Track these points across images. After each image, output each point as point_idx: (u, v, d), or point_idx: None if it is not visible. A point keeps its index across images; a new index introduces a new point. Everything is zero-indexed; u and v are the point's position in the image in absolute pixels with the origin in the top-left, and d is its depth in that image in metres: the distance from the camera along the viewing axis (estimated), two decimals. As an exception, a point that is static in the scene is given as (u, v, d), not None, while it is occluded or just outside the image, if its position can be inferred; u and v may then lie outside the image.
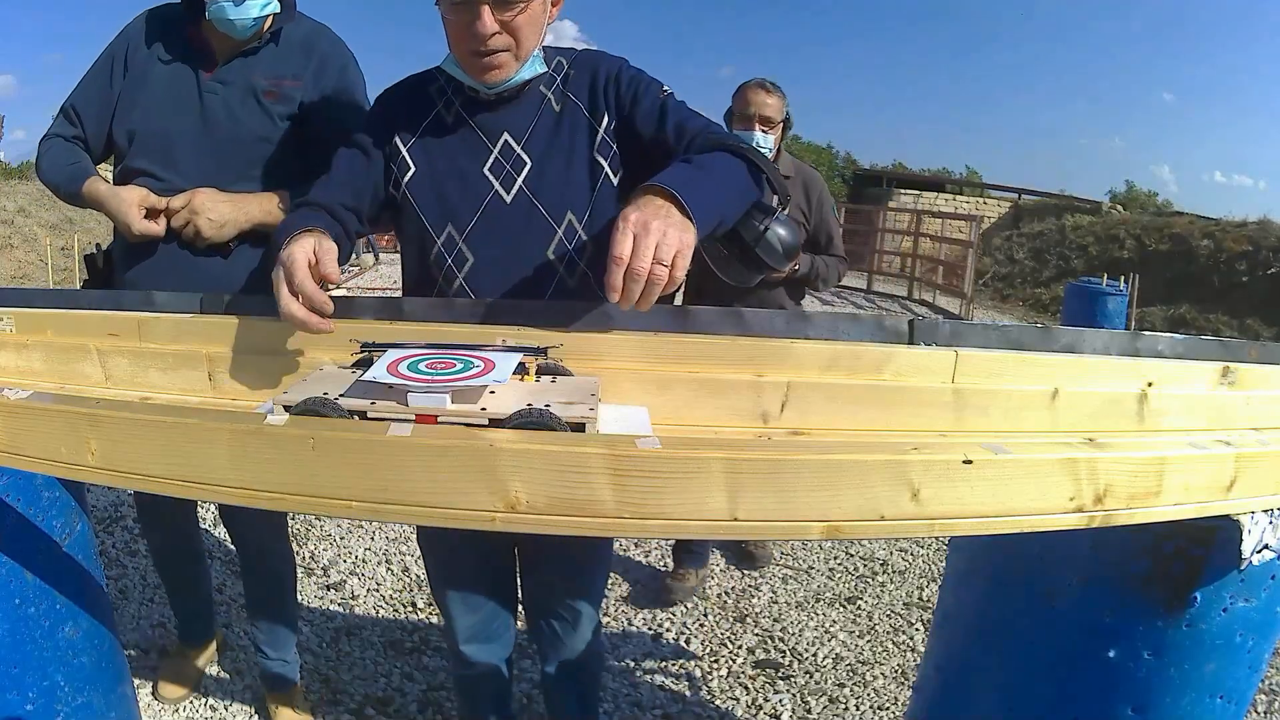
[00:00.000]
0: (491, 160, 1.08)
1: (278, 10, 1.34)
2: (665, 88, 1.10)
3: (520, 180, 1.07)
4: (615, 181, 1.09)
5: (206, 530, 2.04)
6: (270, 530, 1.68)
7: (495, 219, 1.07)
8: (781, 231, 0.98)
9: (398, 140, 1.10)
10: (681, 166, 0.93)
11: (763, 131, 2.16)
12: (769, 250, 0.97)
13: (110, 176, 1.42)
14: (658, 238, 0.80)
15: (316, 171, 1.14)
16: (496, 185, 1.07)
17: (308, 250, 0.90)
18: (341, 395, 0.77)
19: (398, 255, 1.21)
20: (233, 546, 1.78)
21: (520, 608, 1.37)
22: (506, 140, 1.08)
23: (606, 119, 1.08)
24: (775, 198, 1.02)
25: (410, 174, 1.09)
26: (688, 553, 2.46)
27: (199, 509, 1.78)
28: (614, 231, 0.81)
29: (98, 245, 1.50)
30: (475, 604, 1.31)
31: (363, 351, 0.89)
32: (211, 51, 1.35)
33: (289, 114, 1.36)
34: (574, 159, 1.08)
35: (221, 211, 1.31)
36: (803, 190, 2.21)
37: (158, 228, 1.31)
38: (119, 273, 1.41)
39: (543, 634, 1.33)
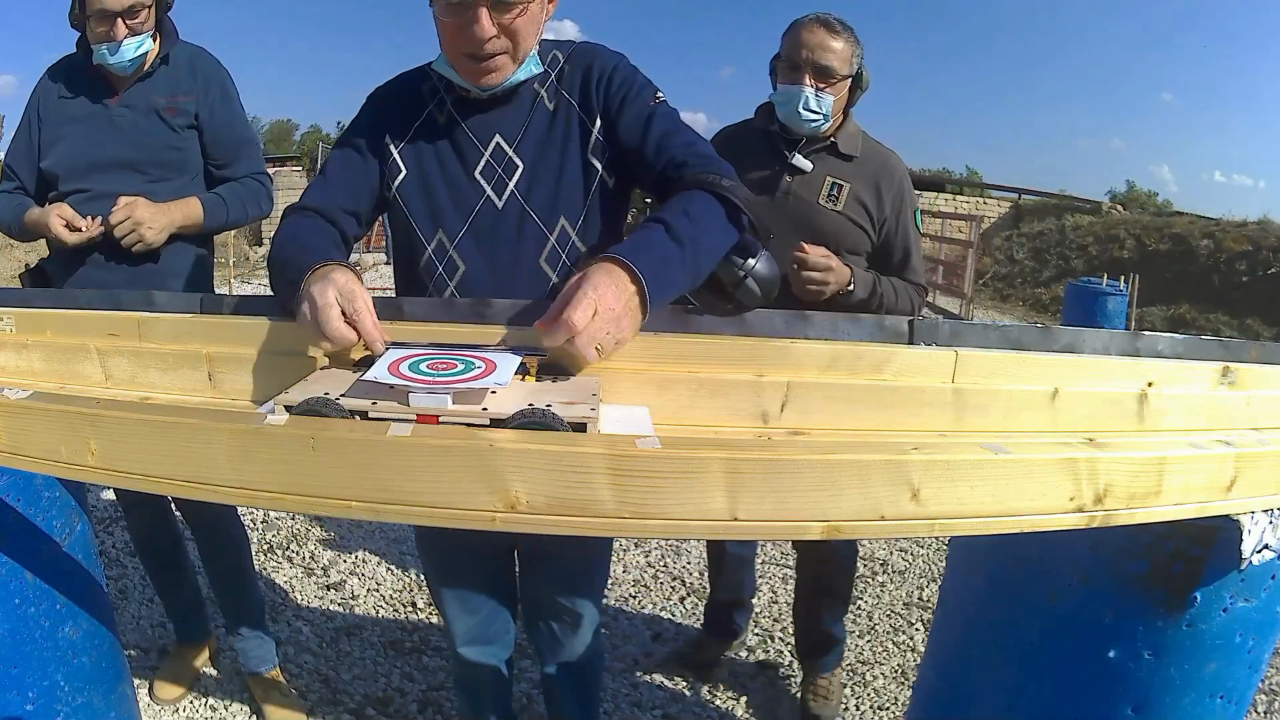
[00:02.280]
0: (483, 164, 1.04)
1: (151, 48, 1.54)
2: (658, 94, 1.05)
3: (512, 185, 1.03)
4: (611, 184, 1.05)
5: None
6: (221, 508, 1.73)
7: (486, 226, 1.03)
8: (763, 271, 0.92)
9: (389, 142, 1.07)
10: (660, 241, 0.87)
11: (815, 89, 1.51)
12: (748, 295, 0.91)
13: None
14: (611, 329, 0.79)
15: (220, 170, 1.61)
16: (488, 190, 1.04)
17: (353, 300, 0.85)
18: (343, 395, 0.77)
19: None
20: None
21: (519, 608, 1.37)
22: (498, 143, 1.04)
23: (599, 120, 1.04)
24: (757, 235, 0.96)
25: (401, 177, 1.06)
26: (720, 624, 2.09)
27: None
28: (576, 291, 0.78)
29: (27, 265, 1.68)
30: (474, 606, 1.31)
31: (364, 350, 0.89)
32: (112, 83, 1.56)
33: (187, 124, 1.61)
34: (567, 162, 1.04)
35: (159, 221, 1.52)
36: (872, 181, 1.57)
37: (77, 237, 1.48)
38: (58, 284, 1.58)
39: (542, 635, 1.33)
